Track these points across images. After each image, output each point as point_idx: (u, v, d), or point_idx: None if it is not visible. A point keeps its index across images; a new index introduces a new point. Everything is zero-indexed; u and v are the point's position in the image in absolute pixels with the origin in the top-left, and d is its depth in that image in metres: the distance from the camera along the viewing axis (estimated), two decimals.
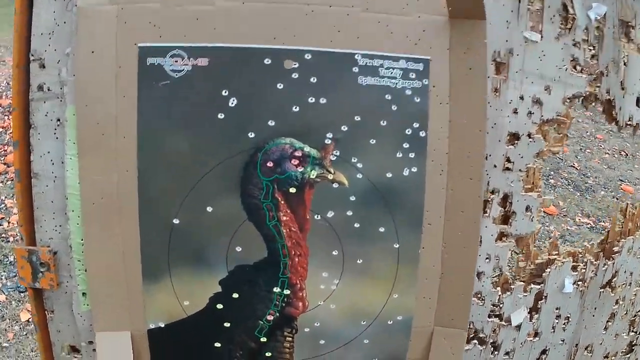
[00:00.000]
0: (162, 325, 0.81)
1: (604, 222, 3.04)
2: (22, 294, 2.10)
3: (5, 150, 2.98)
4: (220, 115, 0.75)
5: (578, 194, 3.47)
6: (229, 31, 0.74)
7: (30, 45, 0.82)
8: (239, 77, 0.75)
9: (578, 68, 0.86)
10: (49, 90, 0.83)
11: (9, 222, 2.51)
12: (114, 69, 0.77)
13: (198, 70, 0.76)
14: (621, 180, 3.94)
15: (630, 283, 0.99)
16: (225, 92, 0.75)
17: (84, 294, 0.85)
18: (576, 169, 3.91)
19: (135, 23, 0.76)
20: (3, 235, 2.41)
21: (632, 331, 1.05)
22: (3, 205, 2.67)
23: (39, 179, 0.84)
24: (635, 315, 1.04)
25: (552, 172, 3.77)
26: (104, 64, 0.77)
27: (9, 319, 2.03)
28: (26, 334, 1.98)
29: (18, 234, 0.89)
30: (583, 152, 4.26)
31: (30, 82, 0.83)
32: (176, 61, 0.76)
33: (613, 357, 1.04)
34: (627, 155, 4.47)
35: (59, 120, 0.83)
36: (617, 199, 3.61)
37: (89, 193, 0.79)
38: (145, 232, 0.77)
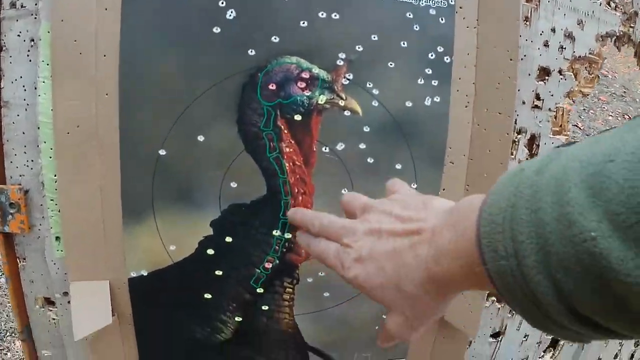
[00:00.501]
0: (145, 274, 0.67)
1: None
2: None
3: None
4: (216, 30, 0.62)
5: None
6: None
7: None
8: None
9: (612, 4, 0.73)
10: (22, 7, 0.68)
11: None
12: None
13: None
14: None
15: None
16: (223, 2, 0.61)
17: (57, 237, 0.71)
18: (580, 128, 3.86)
19: None
20: None
21: None
22: None
23: (9, 108, 0.70)
24: None
25: None
26: None
27: None
28: None
29: None
30: (587, 113, 4.18)
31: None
32: None
33: None
34: (629, 118, 4.37)
35: (32, 40, 0.68)
36: None
37: (63, 120, 0.65)
38: (127, 165, 0.64)
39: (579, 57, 0.73)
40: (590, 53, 0.73)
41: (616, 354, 0.97)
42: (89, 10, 0.64)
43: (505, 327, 0.83)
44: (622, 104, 4.54)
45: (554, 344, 0.89)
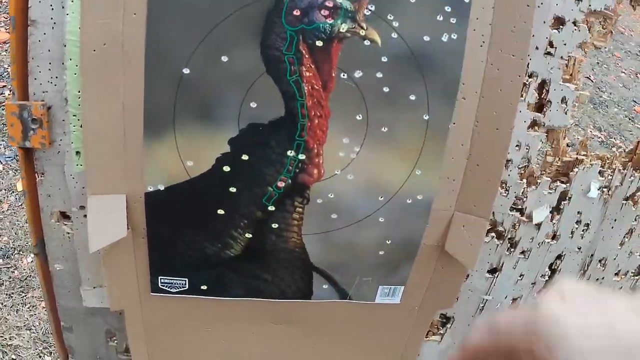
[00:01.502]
0: (162, 188, 0.79)
1: (614, 138, 3.16)
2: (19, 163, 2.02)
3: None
4: None
5: (591, 106, 3.60)
6: None
7: None
8: None
9: None
10: None
11: (10, 89, 2.43)
12: None
13: None
14: (635, 102, 4.04)
15: None
16: None
17: (77, 152, 0.82)
18: (592, 81, 4.02)
19: None
20: (4, 103, 2.34)
21: None
22: (6, 72, 2.59)
23: (36, 27, 0.79)
24: None
25: None
26: None
27: (5, 190, 2.03)
28: (21, 205, 1.98)
29: (11, 88, 0.84)
30: (600, 67, 4.33)
31: None
32: None
33: (623, 276, 1.06)
34: None
35: None
36: (630, 118, 3.70)
37: (91, 38, 0.75)
38: (151, 81, 0.74)
39: (594, 10, 0.83)
40: (605, 8, 0.83)
41: None
42: None
43: (503, 264, 0.96)
44: (637, 63, 4.66)
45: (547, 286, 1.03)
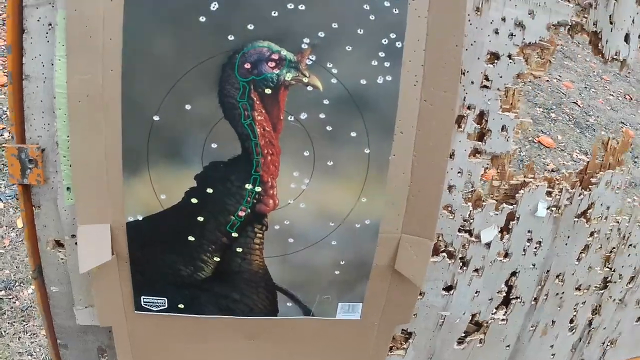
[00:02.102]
0: (140, 218, 0.96)
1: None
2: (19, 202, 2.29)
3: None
4: (202, 19, 0.88)
5: (578, 130, 3.74)
6: None
7: None
8: None
9: None
10: None
11: (9, 132, 2.69)
12: None
13: None
14: (623, 123, 4.23)
15: (607, 217, 1.12)
16: None
17: (68, 188, 1.00)
18: (579, 106, 4.17)
19: None
20: (4, 145, 2.65)
21: (607, 267, 1.18)
22: (5, 115, 2.94)
23: (30, 81, 0.99)
24: (611, 252, 1.17)
25: (554, 106, 4.08)
26: None
27: (6, 226, 2.30)
28: (22, 240, 2.23)
29: (10, 132, 1.03)
30: (587, 91, 4.54)
31: None
32: None
33: (585, 291, 1.17)
34: (631, 99, 4.76)
35: (50, 24, 0.96)
36: (617, 140, 3.86)
37: (76, 91, 0.93)
38: (127, 127, 0.92)
39: (529, 43, 0.97)
40: (541, 40, 0.97)
41: (572, 319, 1.23)
42: (98, 1, 0.91)
43: (457, 282, 1.10)
44: (625, 85, 4.86)
45: (506, 302, 1.16)
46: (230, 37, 0.89)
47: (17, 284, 2.10)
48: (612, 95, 4.83)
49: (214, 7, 0.88)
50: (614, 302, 1.26)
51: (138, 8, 0.89)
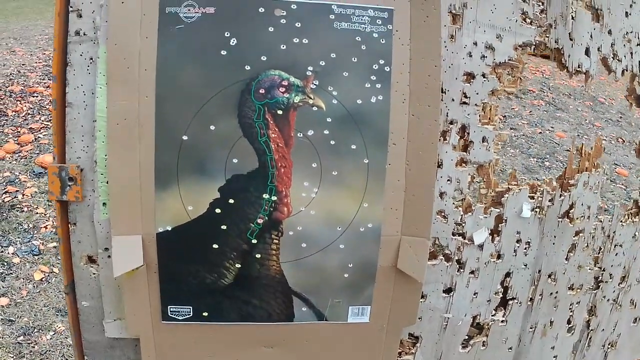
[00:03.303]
0: (169, 229, 1.25)
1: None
2: (35, 257, 2.78)
3: (19, 131, 3.86)
4: (223, 52, 1.20)
5: None
6: None
7: None
8: (239, 22, 1.21)
9: (528, 20, 1.30)
10: (84, 35, 1.29)
11: (22, 194, 3.29)
12: (139, 16, 1.23)
13: (206, 17, 1.21)
14: (616, 164, 4.72)
15: (589, 216, 1.39)
16: (228, 33, 1.20)
17: (104, 204, 1.29)
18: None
19: None
20: (18, 206, 3.17)
21: (597, 266, 1.44)
22: (17, 180, 3.57)
23: (72, 107, 1.30)
24: (599, 251, 1.43)
25: (547, 155, 4.56)
26: (131, 11, 1.23)
27: (23, 279, 2.69)
28: (39, 291, 2.60)
29: (53, 154, 1.34)
30: (580, 138, 5.07)
31: (68, 29, 1.30)
32: (189, 9, 1.21)
33: (578, 290, 1.43)
34: (623, 142, 5.29)
35: (91, 59, 1.29)
36: (611, 180, 4.35)
37: (115, 115, 1.24)
38: (159, 147, 1.22)
39: (500, 63, 1.28)
40: (510, 59, 1.29)
41: (569, 319, 1.47)
42: (135, 37, 1.24)
43: (456, 284, 1.36)
44: (617, 129, 5.48)
45: (504, 303, 1.41)
46: (247, 67, 1.20)
47: (35, 330, 2.42)
48: (605, 139, 5.46)
49: (233, 43, 1.20)
50: (609, 302, 1.50)
51: (169, 44, 1.21)
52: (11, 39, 7.22)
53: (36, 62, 6.22)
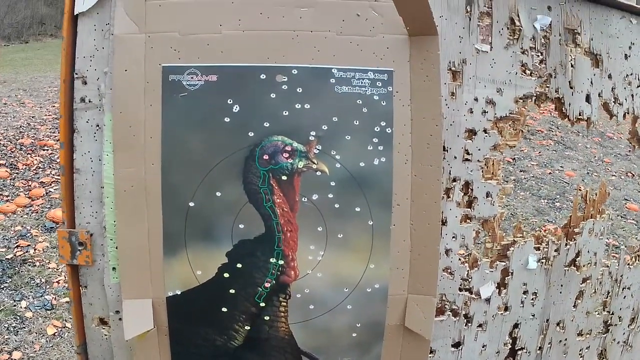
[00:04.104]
0: (179, 293, 1.26)
1: (608, 238, 3.66)
2: (47, 312, 2.84)
3: (29, 185, 3.96)
4: (226, 119, 1.21)
5: None
6: (232, 53, 1.20)
7: (74, 65, 1.31)
8: (241, 89, 1.22)
9: (527, 72, 1.30)
10: (90, 101, 1.31)
11: (34, 249, 3.39)
12: (143, 84, 1.24)
13: (209, 84, 1.22)
14: (626, 200, 4.71)
15: (596, 263, 1.39)
16: (230, 100, 1.21)
17: (114, 268, 1.31)
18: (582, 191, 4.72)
19: (159, 48, 1.24)
20: (30, 260, 3.25)
21: (606, 311, 1.43)
22: (29, 234, 3.69)
23: (80, 174, 1.31)
24: (608, 296, 1.42)
25: (558, 196, 4.57)
26: (135, 80, 1.24)
27: (36, 333, 2.74)
28: (52, 346, 2.63)
29: (63, 221, 1.35)
30: (590, 176, 5.10)
31: (74, 96, 1.31)
32: (192, 77, 1.23)
33: (588, 335, 1.42)
34: (633, 176, 5.30)
35: (98, 125, 1.30)
36: (622, 216, 4.34)
37: (122, 182, 1.25)
38: (167, 213, 1.23)
39: (501, 117, 1.28)
40: (510, 113, 1.29)
41: None
42: (139, 105, 1.25)
43: (464, 338, 1.35)
44: (626, 163, 5.48)
45: (513, 354, 1.41)
46: (250, 134, 1.21)
47: None
48: (614, 175, 5.56)
49: (235, 110, 1.21)
50: (619, 344, 1.49)
51: (173, 112, 1.22)
52: (20, 91, 7.39)
53: (46, 115, 6.34)
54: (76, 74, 1.31)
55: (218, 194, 1.22)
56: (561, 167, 6.03)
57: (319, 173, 1.21)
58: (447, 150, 1.26)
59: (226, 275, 1.24)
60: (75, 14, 1.29)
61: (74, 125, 1.31)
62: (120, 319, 1.32)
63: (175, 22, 1.23)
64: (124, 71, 1.24)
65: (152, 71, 1.23)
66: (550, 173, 5.78)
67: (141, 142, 1.24)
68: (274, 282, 1.24)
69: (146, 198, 1.24)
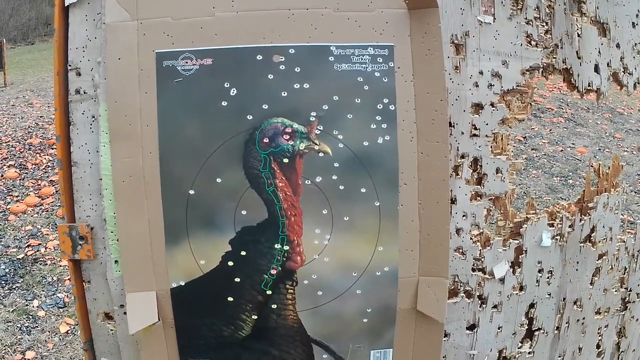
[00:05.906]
0: (183, 284, 1.21)
1: (622, 214, 3.63)
2: (60, 310, 2.81)
3: (39, 184, 3.97)
4: (224, 103, 1.16)
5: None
6: (227, 35, 1.15)
7: (67, 57, 1.26)
8: (237, 71, 1.16)
9: (533, 43, 1.23)
10: (84, 93, 1.26)
11: (45, 248, 3.41)
12: (137, 72, 1.19)
13: (204, 69, 1.17)
14: (639, 175, 4.60)
15: (611, 238, 1.32)
16: (227, 84, 1.16)
17: (116, 261, 1.26)
18: (594, 167, 4.72)
19: (152, 34, 1.19)
20: (41, 259, 3.24)
21: (624, 287, 1.37)
22: (40, 233, 3.70)
23: (78, 167, 1.27)
24: (625, 272, 1.36)
25: (570, 173, 4.48)
26: (129, 68, 1.19)
27: (49, 332, 2.71)
28: (65, 344, 2.60)
29: (63, 216, 1.31)
30: (602, 152, 5.01)
31: (68, 88, 1.27)
32: (186, 62, 1.17)
33: (605, 313, 1.36)
34: None
35: (93, 117, 1.26)
36: (635, 192, 4.27)
37: (120, 173, 1.20)
38: (167, 202, 1.18)
39: (508, 90, 1.22)
40: (518, 85, 1.22)
41: (598, 343, 1.40)
42: (134, 93, 1.20)
43: (479, 320, 1.29)
44: (638, 138, 5.41)
45: (530, 335, 1.34)
46: (249, 117, 1.16)
47: None
48: (627, 151, 5.54)
49: (233, 93, 1.16)
50: (638, 322, 1.43)
51: (169, 98, 1.17)
52: (28, 91, 7.48)
53: (53, 114, 6.39)
54: (70, 65, 1.26)
55: (218, 180, 1.17)
56: (572, 144, 5.94)
57: (321, 154, 1.15)
58: (453, 126, 1.20)
59: (230, 263, 1.19)
60: (66, 5, 1.24)
61: (70, 118, 1.27)
62: (125, 313, 1.28)
63: (167, 7, 1.18)
64: (117, 60, 1.19)
65: (145, 58, 1.18)
66: (562, 150, 5.70)
67: (138, 131, 1.19)
68: (280, 268, 1.19)
69: (145, 188, 1.19)
